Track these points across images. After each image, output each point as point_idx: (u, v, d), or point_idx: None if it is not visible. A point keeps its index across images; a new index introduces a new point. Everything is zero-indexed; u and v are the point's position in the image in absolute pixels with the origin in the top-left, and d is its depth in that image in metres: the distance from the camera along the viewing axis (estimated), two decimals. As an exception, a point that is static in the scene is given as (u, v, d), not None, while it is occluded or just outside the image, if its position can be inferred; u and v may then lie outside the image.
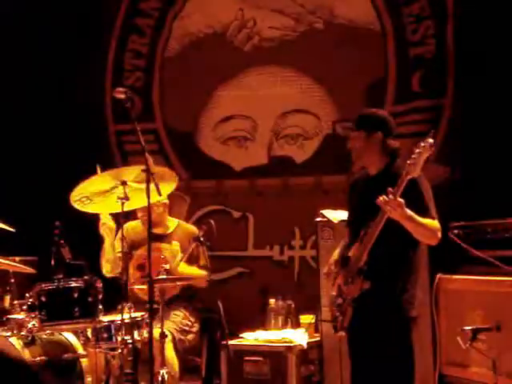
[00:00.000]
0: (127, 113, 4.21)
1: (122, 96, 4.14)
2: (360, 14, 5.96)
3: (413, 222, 3.61)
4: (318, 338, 5.15)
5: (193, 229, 5.15)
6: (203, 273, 4.88)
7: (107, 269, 4.95)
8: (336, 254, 4.06)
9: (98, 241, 4.99)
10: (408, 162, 3.51)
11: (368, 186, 3.87)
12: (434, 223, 3.71)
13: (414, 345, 3.82)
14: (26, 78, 6.59)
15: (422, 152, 3.48)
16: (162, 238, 5.06)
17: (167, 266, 4.61)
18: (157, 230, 4.90)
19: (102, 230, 4.89)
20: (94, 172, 4.44)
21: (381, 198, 3.54)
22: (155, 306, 4.12)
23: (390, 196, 3.51)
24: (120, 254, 4.88)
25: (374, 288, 3.74)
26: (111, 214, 4.81)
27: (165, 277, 4.46)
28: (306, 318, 5.31)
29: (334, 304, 3.92)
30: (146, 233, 4.87)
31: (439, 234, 3.73)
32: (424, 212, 3.67)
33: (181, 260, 4.81)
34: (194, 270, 4.90)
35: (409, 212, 3.57)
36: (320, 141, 6.15)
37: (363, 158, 3.91)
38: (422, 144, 3.49)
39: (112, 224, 4.85)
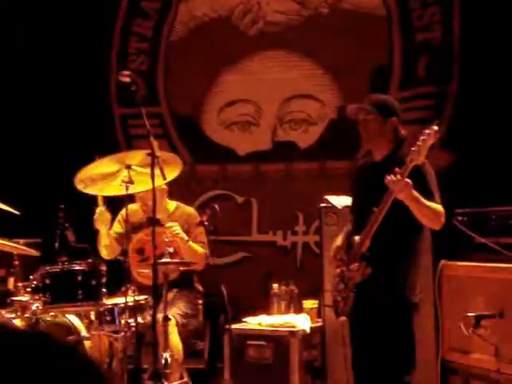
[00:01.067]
0: (132, 96, 4.19)
1: (127, 79, 4.13)
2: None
3: (419, 203, 3.62)
4: (320, 323, 5.17)
5: (191, 210, 5.14)
6: (201, 250, 4.86)
7: (104, 253, 4.95)
8: (339, 239, 4.06)
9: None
10: (412, 148, 3.51)
11: (373, 173, 3.86)
12: (439, 207, 3.72)
13: (415, 330, 3.83)
14: (30, 61, 6.57)
15: (426, 139, 3.49)
16: (162, 221, 5.04)
17: (171, 250, 4.61)
18: (157, 215, 4.88)
19: (97, 224, 4.84)
20: (99, 156, 4.42)
21: (388, 178, 3.54)
22: (160, 289, 4.12)
23: (398, 176, 3.52)
24: (115, 235, 4.89)
25: (376, 274, 3.74)
26: (105, 199, 4.76)
27: (168, 260, 4.45)
28: (309, 303, 5.32)
29: (336, 289, 3.93)
30: (146, 217, 4.93)
31: (443, 219, 3.74)
32: (428, 196, 3.69)
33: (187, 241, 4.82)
34: (194, 246, 4.88)
35: (415, 193, 3.58)
36: (324, 126, 6.13)
37: (374, 142, 3.91)
38: (427, 131, 3.50)
39: (108, 215, 4.83)
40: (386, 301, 3.78)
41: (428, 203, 3.66)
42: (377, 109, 3.87)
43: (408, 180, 3.54)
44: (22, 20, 6.60)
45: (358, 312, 3.84)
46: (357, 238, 3.84)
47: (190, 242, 4.83)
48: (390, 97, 4.11)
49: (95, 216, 4.79)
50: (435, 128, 3.51)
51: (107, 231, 4.87)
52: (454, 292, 4.77)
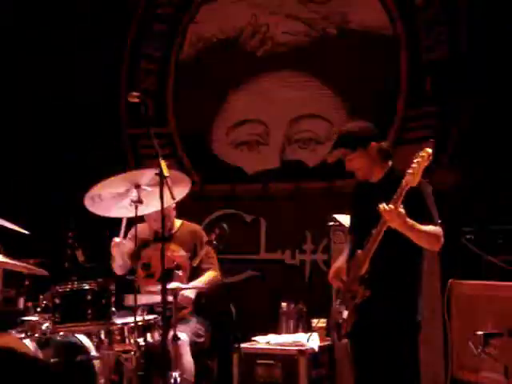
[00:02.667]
0: (141, 117, 4.24)
1: (136, 100, 4.17)
2: (373, 20, 5.98)
3: (414, 231, 3.59)
4: (329, 342, 5.16)
5: (197, 227, 5.19)
6: (213, 274, 4.90)
7: (118, 271, 5.00)
8: (339, 260, 4.05)
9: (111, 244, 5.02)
10: (408, 171, 3.49)
11: (371, 193, 3.85)
12: (436, 229, 3.68)
13: (420, 349, 3.80)
14: (42, 82, 6.65)
15: (420, 161, 3.47)
16: (168, 237, 5.08)
17: (180, 273, 4.64)
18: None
19: (114, 251, 4.89)
20: (109, 175, 4.44)
21: (381, 206, 3.52)
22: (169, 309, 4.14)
23: (391, 205, 3.50)
24: (128, 251, 4.93)
25: (376, 296, 3.71)
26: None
27: (177, 284, 4.48)
28: (318, 322, 5.32)
29: (336, 311, 3.92)
30: (152, 233, 4.97)
31: (441, 240, 3.70)
32: (426, 218, 3.65)
33: (194, 264, 4.85)
34: (204, 277, 4.92)
35: (410, 222, 3.55)
36: (332, 145, 6.14)
37: (366, 172, 3.88)
38: (421, 153, 3.48)
39: (125, 244, 4.87)
40: (387, 322, 3.74)
41: (424, 228, 3.61)
42: (352, 145, 3.81)
43: (401, 210, 3.50)
44: (33, 35, 6.67)
45: (360, 334, 3.81)
46: (356, 258, 3.81)
47: (200, 279, 4.87)
48: (358, 122, 3.99)
49: (112, 244, 4.82)
50: (429, 150, 3.49)
51: (122, 255, 4.90)
52: (463, 311, 4.76)
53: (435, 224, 3.69)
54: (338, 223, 5.11)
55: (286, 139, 6.33)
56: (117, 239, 4.82)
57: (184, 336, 4.65)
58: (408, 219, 3.54)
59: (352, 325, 3.80)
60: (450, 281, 4.80)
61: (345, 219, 5.07)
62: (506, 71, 5.44)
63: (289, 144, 6.33)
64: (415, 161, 3.48)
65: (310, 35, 6.20)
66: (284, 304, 5.50)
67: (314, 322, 5.29)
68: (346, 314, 3.82)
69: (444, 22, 5.78)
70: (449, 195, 5.41)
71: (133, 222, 4.58)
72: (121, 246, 4.84)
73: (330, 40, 6.13)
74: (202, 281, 4.90)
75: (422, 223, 3.62)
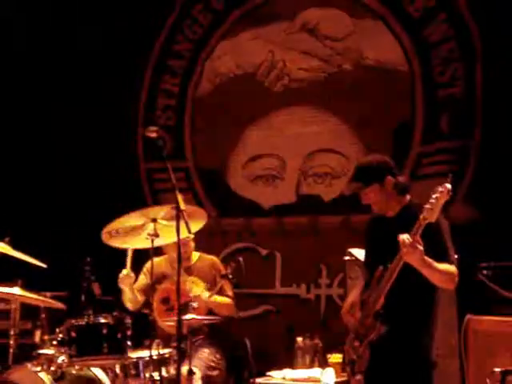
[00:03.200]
0: (158, 151, 4.28)
1: (154, 135, 4.21)
2: (388, 56, 6.03)
3: (429, 268, 3.55)
4: (345, 378, 5.12)
5: (215, 259, 5.20)
6: (228, 301, 4.91)
7: (129, 305, 5.02)
8: (352, 294, 4.02)
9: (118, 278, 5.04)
10: (426, 206, 3.47)
11: (386, 227, 3.82)
12: (451, 268, 3.64)
13: None
14: (58, 117, 6.74)
15: (439, 197, 3.45)
16: (185, 270, 5.09)
17: (195, 304, 4.65)
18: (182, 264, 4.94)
19: (122, 284, 4.91)
20: (126, 210, 4.48)
21: (402, 237, 3.50)
22: (183, 344, 4.13)
23: (410, 239, 3.47)
24: (140, 287, 4.94)
25: (391, 332, 3.68)
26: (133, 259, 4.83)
27: (193, 316, 4.48)
28: (334, 357, 5.29)
29: (350, 346, 3.88)
30: (170, 267, 4.99)
31: (456, 279, 3.67)
32: (442, 257, 3.62)
33: (209, 297, 4.85)
34: (219, 299, 4.92)
35: (426, 259, 3.52)
36: (348, 180, 6.16)
37: (382, 206, 3.86)
38: (440, 189, 3.46)
39: (132, 278, 4.90)
40: (402, 360, 3.70)
41: (440, 267, 3.58)
42: (367, 179, 3.81)
43: (419, 247, 3.48)
44: (49, 69, 6.77)
45: (374, 370, 3.77)
46: (368, 294, 3.80)
47: (214, 297, 4.86)
48: (374, 156, 3.98)
49: (120, 277, 4.85)
50: (448, 186, 3.47)
51: (131, 288, 4.92)
52: (480, 347, 4.73)
53: (451, 262, 3.66)
54: (353, 258, 5.10)
55: (301, 173, 6.36)
56: (124, 271, 4.84)
57: (196, 371, 4.64)
58: (425, 256, 3.51)
59: (366, 361, 3.76)
60: (467, 316, 4.78)
61: (360, 254, 5.06)
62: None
63: (305, 178, 6.36)
64: (434, 196, 3.46)
65: (325, 71, 6.26)
66: (299, 339, 5.48)
67: (330, 357, 5.26)
68: (360, 349, 3.79)
69: (460, 58, 5.81)
70: (465, 230, 5.39)
71: (138, 252, 4.61)
72: (127, 280, 4.85)
73: (345, 76, 6.19)
74: (217, 302, 4.88)
75: (437, 261, 3.58)
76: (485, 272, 4.81)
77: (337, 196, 6.21)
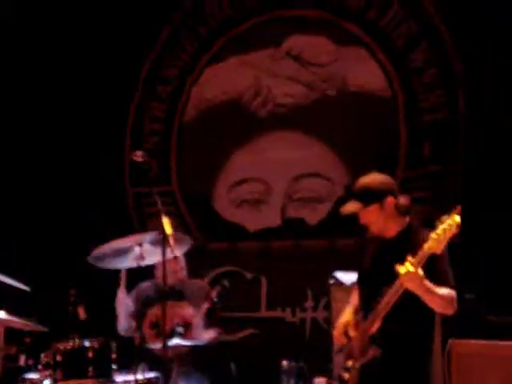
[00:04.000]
0: (145, 176, 4.30)
1: (140, 159, 4.24)
2: (372, 82, 6.11)
3: (430, 294, 3.50)
4: (329, 401, 5.13)
5: (202, 282, 5.23)
6: (214, 334, 4.93)
7: (122, 332, 5.01)
8: (346, 314, 3.97)
9: (113, 301, 5.04)
10: (432, 235, 3.38)
11: (385, 247, 3.77)
12: (452, 293, 3.58)
13: None
14: (44, 140, 6.76)
15: (447, 230, 3.35)
16: (174, 294, 5.10)
17: (181, 330, 4.66)
18: (174, 288, 4.96)
19: (117, 304, 4.92)
20: (113, 235, 4.50)
21: (401, 269, 3.42)
22: (170, 365, 4.13)
23: (410, 268, 3.40)
24: (131, 312, 4.94)
25: (386, 358, 3.64)
26: (126, 277, 4.85)
27: (180, 342, 4.48)
28: (319, 381, 5.29)
29: (341, 366, 3.84)
30: (157, 291, 5.00)
31: (455, 305, 3.60)
32: (443, 282, 3.56)
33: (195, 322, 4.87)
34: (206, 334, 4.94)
35: (427, 284, 3.46)
36: (332, 204, 6.23)
37: (380, 227, 3.77)
38: (449, 222, 3.36)
39: (126, 300, 4.91)
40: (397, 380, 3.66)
41: (440, 292, 3.52)
42: (367, 199, 3.71)
43: (421, 273, 3.41)
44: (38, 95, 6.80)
45: None
46: (362, 316, 3.77)
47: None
48: (375, 176, 3.80)
49: (116, 299, 4.85)
50: (458, 220, 3.35)
51: (125, 314, 4.92)
52: (464, 371, 4.73)
53: (451, 287, 3.59)
54: (338, 281, 5.13)
55: (286, 198, 6.41)
56: (121, 294, 4.84)
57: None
58: (426, 282, 3.45)
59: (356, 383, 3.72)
60: (450, 340, 4.79)
61: (345, 277, 5.10)
62: (507, 133, 5.52)
63: (290, 202, 6.40)
64: (441, 227, 3.36)
65: (309, 97, 6.33)
66: (285, 362, 5.48)
67: (316, 380, 5.27)
68: (352, 370, 3.74)
69: (442, 85, 5.89)
70: (449, 253, 5.43)
71: (131, 272, 4.62)
72: (124, 305, 4.85)
73: (329, 101, 6.26)
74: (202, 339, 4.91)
75: (437, 285, 3.52)
76: (468, 296, 4.84)
77: (321, 220, 6.25)
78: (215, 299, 4.68)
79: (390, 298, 3.57)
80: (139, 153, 4.28)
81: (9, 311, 4.55)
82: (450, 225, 3.35)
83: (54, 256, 6.43)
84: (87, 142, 6.67)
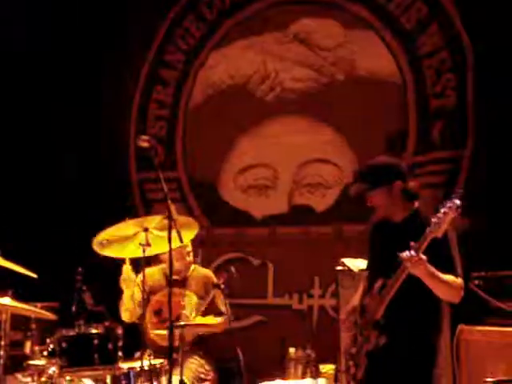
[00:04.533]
0: (150, 161, 4.27)
1: (146, 144, 4.20)
2: (381, 66, 6.04)
3: (434, 279, 3.48)
4: (337, 389, 5.11)
5: (208, 272, 5.19)
6: (219, 319, 4.89)
7: (126, 317, 4.97)
8: (354, 299, 3.96)
9: (119, 288, 5.02)
10: (433, 220, 3.39)
11: (392, 233, 3.74)
12: (457, 281, 3.56)
13: None
14: (50, 126, 6.72)
15: (447, 212, 3.36)
16: (180, 282, 5.08)
17: (187, 313, 4.63)
18: (175, 276, 4.92)
19: (123, 284, 4.89)
20: (118, 219, 4.48)
21: (403, 254, 3.42)
22: (175, 354, 4.11)
23: (413, 252, 3.40)
24: (137, 300, 4.92)
25: (390, 344, 3.61)
26: (132, 260, 4.83)
27: (184, 323, 4.46)
28: (326, 368, 5.27)
29: (348, 353, 3.81)
30: (164, 278, 4.97)
31: (462, 292, 3.58)
32: (449, 269, 3.54)
33: (199, 310, 4.84)
34: (209, 320, 4.90)
35: (431, 269, 3.45)
36: (340, 190, 6.18)
37: (387, 211, 3.75)
38: (449, 205, 3.38)
39: (133, 277, 4.87)
40: (401, 372, 3.62)
41: (446, 278, 3.50)
42: (375, 181, 3.68)
43: (423, 257, 3.39)
44: (41, 87, 6.76)
45: (371, 380, 3.70)
46: (367, 300, 3.74)
47: (205, 320, 4.85)
48: (387, 159, 3.83)
49: (121, 277, 4.83)
50: (457, 202, 3.37)
51: (131, 294, 4.89)
52: (472, 357, 4.72)
53: (457, 275, 3.57)
54: (346, 268, 5.09)
55: (294, 184, 6.36)
56: (124, 268, 4.81)
57: (186, 380, 4.61)
58: (430, 266, 3.44)
59: (364, 371, 3.70)
60: (459, 327, 4.77)
61: (353, 263, 5.07)
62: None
63: (297, 188, 6.35)
64: (442, 211, 3.38)
65: (318, 81, 6.27)
66: (292, 349, 5.46)
67: (322, 367, 5.25)
68: (357, 358, 3.73)
69: (451, 69, 5.82)
70: (457, 240, 5.39)
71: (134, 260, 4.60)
72: (130, 281, 4.82)
73: (338, 86, 6.20)
74: (207, 321, 4.87)
75: (443, 273, 3.50)
76: (477, 282, 4.81)
77: (329, 206, 6.21)
78: (222, 286, 4.64)
79: (393, 283, 3.56)
80: (144, 137, 4.24)
81: (15, 297, 4.53)
82: (450, 208, 3.37)
83: (61, 242, 6.41)
84: (92, 127, 6.64)
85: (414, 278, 3.49)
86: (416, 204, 3.76)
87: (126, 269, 4.81)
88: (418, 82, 5.93)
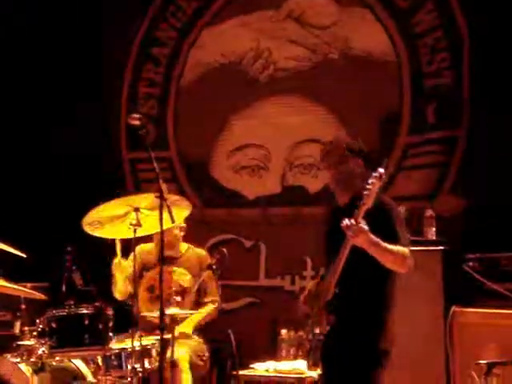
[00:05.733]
0: (141, 139, 4.21)
1: (137, 122, 4.15)
2: (375, 45, 5.96)
3: (378, 247, 3.53)
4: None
5: (203, 252, 5.16)
6: (212, 308, 4.90)
7: (117, 295, 4.96)
8: (311, 284, 3.97)
9: (109, 267, 4.98)
10: (364, 192, 3.48)
11: (338, 216, 3.70)
12: (403, 249, 3.61)
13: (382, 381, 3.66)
14: (40, 104, 6.65)
15: (374, 182, 3.46)
16: (173, 260, 5.05)
17: (178, 299, 4.61)
18: (168, 253, 4.89)
19: (116, 270, 4.86)
20: (107, 198, 4.42)
21: (343, 223, 3.49)
22: (166, 334, 4.07)
23: (352, 221, 3.47)
24: (129, 275, 4.88)
25: (342, 323, 3.64)
26: (123, 249, 4.78)
27: (177, 310, 4.43)
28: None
29: (307, 338, 3.84)
30: (158, 255, 4.93)
31: (408, 262, 3.62)
32: (393, 239, 3.60)
33: (190, 291, 4.83)
34: (201, 314, 4.90)
35: (374, 238, 3.51)
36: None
37: (355, 185, 3.78)
38: (374, 174, 3.47)
39: (125, 265, 4.84)
40: (351, 350, 3.64)
41: (390, 247, 3.56)
42: (358, 152, 3.86)
43: (363, 226, 3.48)
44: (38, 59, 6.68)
45: (327, 362, 3.75)
46: (324, 282, 3.74)
47: (200, 311, 4.84)
48: (339, 138, 4.11)
49: (113, 265, 4.80)
50: (381, 171, 3.47)
51: (123, 279, 4.86)
52: (466, 339, 4.72)
53: (403, 245, 3.63)
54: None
55: (286, 164, 6.30)
56: (115, 260, 4.78)
57: (184, 354, 4.59)
58: (372, 236, 3.50)
59: (319, 353, 3.73)
60: (452, 308, 4.75)
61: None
62: (509, 99, 5.42)
63: (290, 169, 6.30)
64: (370, 181, 3.47)
65: (312, 60, 6.19)
66: (284, 331, 5.44)
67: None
68: (314, 340, 3.73)
69: (446, 48, 5.76)
70: (451, 221, 5.37)
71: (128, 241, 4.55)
72: (122, 268, 4.79)
73: (332, 65, 6.12)
74: (200, 314, 4.87)
75: (389, 243, 3.57)
76: (471, 264, 4.80)
77: (322, 187, 6.16)
78: (214, 267, 4.61)
79: (339, 260, 3.58)
80: (136, 115, 4.18)
81: (4, 277, 4.49)
82: (375, 177, 3.47)
83: (50, 221, 6.36)
84: (83, 105, 6.56)
85: (360, 254, 3.52)
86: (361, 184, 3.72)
87: (117, 263, 4.77)
88: (413, 61, 5.86)
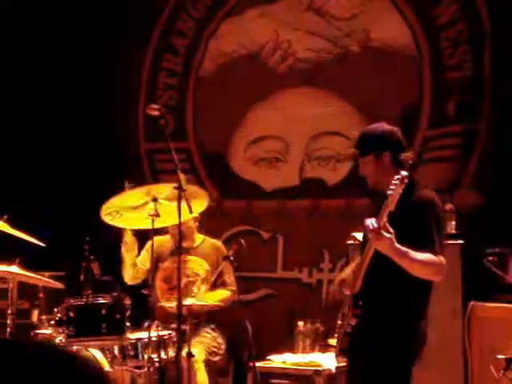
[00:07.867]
0: (160, 130, 4.20)
1: (156, 113, 4.14)
2: (396, 38, 5.91)
3: (404, 258, 3.32)
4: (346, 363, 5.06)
5: (219, 243, 5.16)
6: (227, 294, 4.88)
7: (127, 279, 4.98)
8: (345, 272, 3.84)
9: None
10: (388, 192, 3.29)
11: (380, 204, 3.49)
12: (434, 258, 3.36)
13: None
14: (61, 97, 6.65)
15: (397, 184, 3.27)
16: (189, 250, 5.05)
17: (196, 290, 4.61)
18: (184, 243, 4.88)
19: (124, 248, 4.88)
20: (128, 182, 4.44)
21: (366, 222, 3.31)
22: (184, 326, 4.07)
23: (374, 224, 3.26)
24: (144, 267, 4.89)
25: (369, 317, 3.51)
26: (137, 231, 4.79)
27: (193, 302, 4.43)
28: (335, 342, 5.22)
29: (338, 327, 3.73)
30: (173, 246, 4.93)
31: (442, 271, 3.40)
32: (424, 245, 3.38)
33: (209, 281, 4.82)
34: (218, 295, 4.88)
35: (398, 247, 3.29)
36: (352, 163, 6.08)
37: (379, 181, 3.60)
38: (397, 176, 3.28)
39: (134, 241, 4.85)
40: (378, 348, 3.53)
41: (419, 256, 3.33)
42: (364, 149, 3.63)
43: (386, 234, 3.25)
44: (55, 52, 6.68)
45: (353, 353, 3.65)
46: (349, 274, 3.66)
47: (214, 295, 4.83)
48: (380, 126, 3.73)
49: (123, 242, 4.81)
50: (404, 173, 3.28)
51: (132, 262, 4.87)
52: (484, 334, 4.68)
53: (435, 252, 3.38)
54: (357, 241, 5.03)
55: (305, 156, 6.27)
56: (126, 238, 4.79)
57: (198, 353, 4.59)
58: (397, 245, 3.28)
59: (346, 344, 3.64)
60: (471, 303, 4.72)
61: (364, 238, 5.00)
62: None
63: (308, 161, 6.26)
64: (393, 182, 3.29)
65: (331, 52, 6.14)
66: (301, 323, 5.42)
67: (331, 341, 5.20)
68: (342, 329, 3.66)
69: (468, 41, 5.70)
70: (471, 216, 5.32)
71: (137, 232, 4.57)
72: (130, 246, 4.80)
73: (352, 57, 6.07)
74: (215, 299, 4.85)
75: (418, 250, 3.34)
76: (490, 258, 4.75)
77: (341, 180, 6.12)
78: (232, 258, 4.60)
79: (365, 256, 3.44)
80: (155, 106, 4.18)
81: (23, 266, 4.50)
82: (398, 179, 3.28)
83: (69, 211, 6.37)
84: (102, 97, 6.56)
85: (385, 256, 3.33)
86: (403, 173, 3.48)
87: (128, 234, 4.80)
88: (434, 54, 5.80)
